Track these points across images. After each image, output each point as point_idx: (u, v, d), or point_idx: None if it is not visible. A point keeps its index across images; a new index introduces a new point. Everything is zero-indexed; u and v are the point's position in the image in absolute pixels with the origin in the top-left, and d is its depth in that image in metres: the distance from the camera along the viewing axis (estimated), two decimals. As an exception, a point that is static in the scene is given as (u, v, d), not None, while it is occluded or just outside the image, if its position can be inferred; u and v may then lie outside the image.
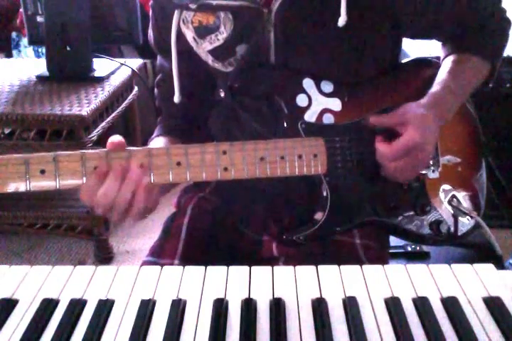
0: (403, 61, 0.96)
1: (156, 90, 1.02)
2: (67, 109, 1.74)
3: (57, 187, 0.68)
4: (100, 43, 2.06)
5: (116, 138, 0.70)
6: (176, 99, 0.91)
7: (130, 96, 2.13)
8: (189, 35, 0.88)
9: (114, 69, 2.08)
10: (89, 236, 2.03)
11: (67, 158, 0.68)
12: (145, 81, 2.30)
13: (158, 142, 0.94)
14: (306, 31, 0.83)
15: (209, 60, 0.89)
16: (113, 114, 1.95)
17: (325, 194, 0.82)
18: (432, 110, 0.81)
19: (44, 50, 2.02)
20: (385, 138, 0.80)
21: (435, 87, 0.85)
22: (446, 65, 0.89)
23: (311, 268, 0.70)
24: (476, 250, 1.09)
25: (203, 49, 0.88)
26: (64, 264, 1.99)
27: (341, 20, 0.79)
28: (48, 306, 0.63)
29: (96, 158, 0.69)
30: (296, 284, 0.67)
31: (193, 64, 0.91)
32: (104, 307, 0.63)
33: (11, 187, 0.66)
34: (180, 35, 0.88)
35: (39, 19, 1.94)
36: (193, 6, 0.83)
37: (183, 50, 0.89)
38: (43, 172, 0.67)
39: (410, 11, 0.85)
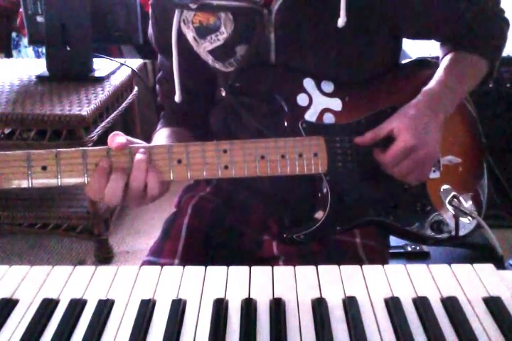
0: (403, 61, 0.96)
1: (157, 87, 1.02)
2: (67, 109, 1.74)
3: (59, 184, 0.68)
4: (100, 43, 2.06)
5: (120, 139, 0.69)
6: (177, 98, 0.91)
7: (130, 96, 2.13)
8: (189, 35, 0.88)
9: (114, 69, 2.08)
10: (89, 236, 2.03)
11: (69, 155, 0.68)
12: (145, 81, 2.30)
13: (161, 133, 0.94)
14: (306, 32, 0.83)
15: (209, 59, 0.89)
16: (113, 114, 1.95)
17: (325, 193, 0.82)
18: (426, 107, 0.81)
19: (44, 50, 2.02)
20: (384, 146, 0.80)
21: (430, 84, 0.85)
22: (444, 62, 0.90)
23: (311, 268, 0.70)
24: (476, 250, 1.09)
25: (203, 49, 0.88)
26: (64, 264, 1.99)
27: (341, 21, 0.79)
28: (48, 306, 0.63)
29: (97, 154, 0.69)
30: (296, 284, 0.67)
31: (193, 63, 0.91)
32: (104, 307, 0.63)
33: (13, 184, 0.67)
34: (180, 34, 0.88)
35: (39, 19, 1.94)
36: (193, 6, 0.83)
37: (184, 49, 0.89)
38: (44, 168, 0.67)
39: (409, 12, 0.85)
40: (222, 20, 0.84)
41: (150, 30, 0.97)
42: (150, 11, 0.94)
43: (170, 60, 0.91)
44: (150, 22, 0.96)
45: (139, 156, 0.69)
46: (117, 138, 0.69)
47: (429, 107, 0.81)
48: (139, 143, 0.73)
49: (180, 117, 0.98)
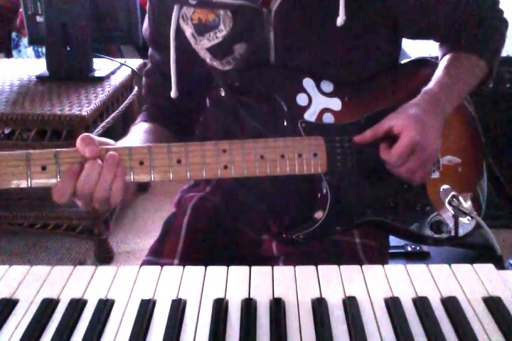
0: (403, 61, 0.96)
1: (143, 79, 1.02)
2: (67, 109, 1.74)
3: None
4: (100, 43, 2.06)
5: (92, 148, 0.68)
6: (173, 94, 0.90)
7: (130, 96, 2.13)
8: (188, 31, 0.88)
9: (114, 69, 2.08)
10: (89, 236, 2.03)
11: (68, 155, 0.68)
12: (145, 81, 2.30)
13: (139, 127, 0.93)
14: (305, 31, 0.83)
15: (207, 57, 0.89)
16: (113, 114, 1.95)
17: (325, 193, 0.82)
18: (426, 107, 0.81)
19: (44, 50, 2.02)
20: (388, 145, 0.80)
21: (429, 84, 0.85)
22: (442, 63, 0.90)
23: (311, 268, 0.70)
24: (476, 250, 1.09)
25: (202, 46, 0.88)
26: (64, 264, 1.99)
27: (340, 20, 0.79)
28: (48, 306, 0.63)
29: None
30: (296, 284, 0.67)
31: (190, 60, 0.91)
32: (104, 307, 0.63)
33: (12, 184, 0.66)
34: (179, 31, 0.88)
35: (39, 19, 1.94)
36: (192, 2, 0.83)
37: (181, 46, 0.89)
38: (44, 168, 0.67)
39: (409, 11, 0.85)
40: (221, 18, 0.84)
41: (145, 24, 0.97)
42: (148, 5, 0.94)
43: (162, 55, 0.91)
44: (146, 17, 0.95)
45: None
46: (89, 146, 0.68)
47: (429, 107, 0.81)
48: (111, 143, 0.72)
49: (163, 114, 0.97)
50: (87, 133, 0.70)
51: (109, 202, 0.69)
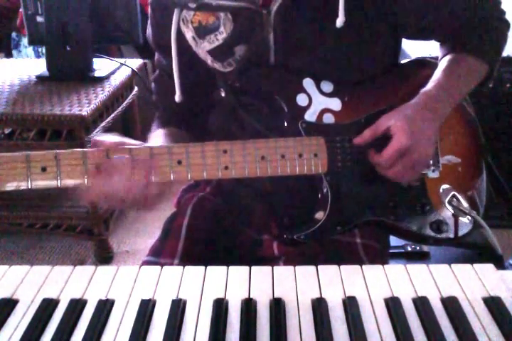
0: (403, 61, 0.96)
1: (153, 86, 1.02)
2: (67, 109, 1.74)
3: (59, 185, 0.68)
4: (100, 43, 2.06)
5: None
6: (177, 98, 0.91)
7: (130, 96, 2.13)
8: (189, 34, 0.88)
9: (114, 69, 2.08)
10: (89, 236, 2.02)
11: (69, 156, 0.68)
12: (145, 81, 2.30)
13: (157, 134, 0.94)
14: (305, 32, 0.83)
15: (208, 60, 0.89)
16: (113, 114, 1.95)
17: (325, 193, 0.82)
18: (423, 109, 0.81)
19: (44, 50, 2.02)
20: (380, 147, 0.80)
21: (428, 85, 0.85)
22: (442, 64, 0.90)
23: (311, 268, 0.70)
24: (476, 250, 1.09)
25: (202, 49, 0.88)
26: (64, 264, 1.99)
27: (339, 21, 0.79)
28: (48, 306, 0.63)
29: (97, 156, 0.69)
30: (296, 284, 0.67)
31: (192, 63, 0.91)
32: (104, 307, 0.63)
33: (13, 186, 0.66)
34: (180, 34, 0.88)
35: (39, 19, 1.94)
36: (192, 6, 0.83)
37: (183, 49, 0.89)
38: (44, 169, 0.67)
39: (409, 12, 0.85)
40: (221, 21, 0.84)
41: (148, 29, 0.97)
42: (149, 9, 0.94)
43: (167, 59, 0.91)
44: (149, 21, 0.96)
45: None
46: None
47: (426, 109, 0.81)
48: (137, 144, 0.73)
49: (176, 117, 0.98)
50: (95, 138, 0.71)
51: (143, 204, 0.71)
